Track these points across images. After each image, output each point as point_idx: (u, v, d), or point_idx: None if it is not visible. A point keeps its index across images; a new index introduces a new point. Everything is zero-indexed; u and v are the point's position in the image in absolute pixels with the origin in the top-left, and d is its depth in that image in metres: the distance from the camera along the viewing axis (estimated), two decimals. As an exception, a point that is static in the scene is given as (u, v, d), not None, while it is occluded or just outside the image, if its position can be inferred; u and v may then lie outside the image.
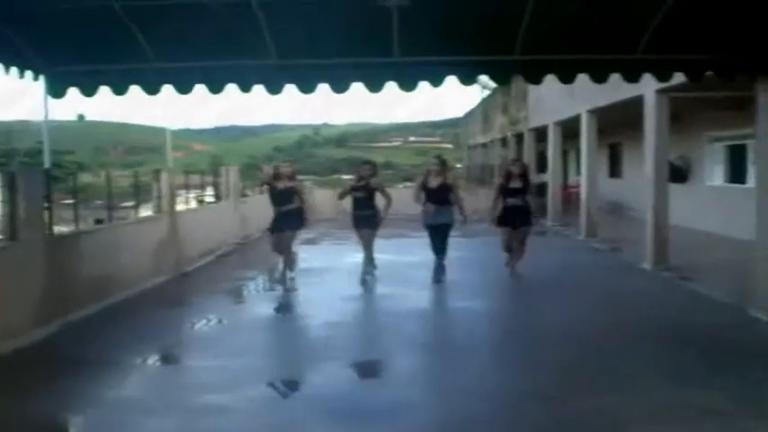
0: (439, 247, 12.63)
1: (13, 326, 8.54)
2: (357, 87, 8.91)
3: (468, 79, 9.09)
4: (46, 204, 9.63)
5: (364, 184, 12.78)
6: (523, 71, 9.28)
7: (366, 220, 12.74)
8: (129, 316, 10.61)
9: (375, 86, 8.93)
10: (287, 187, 12.44)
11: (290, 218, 12.41)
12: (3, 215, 8.98)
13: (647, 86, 13.27)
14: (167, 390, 7.34)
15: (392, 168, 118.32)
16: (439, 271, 12.62)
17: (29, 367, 7.95)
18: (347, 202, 13.11)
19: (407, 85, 8.92)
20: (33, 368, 7.91)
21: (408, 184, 61.78)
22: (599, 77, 9.28)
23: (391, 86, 8.93)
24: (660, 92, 13.73)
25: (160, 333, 9.64)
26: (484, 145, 42.81)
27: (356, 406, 6.82)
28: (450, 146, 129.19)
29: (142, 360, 8.32)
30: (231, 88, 9.02)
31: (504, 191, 13.14)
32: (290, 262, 12.69)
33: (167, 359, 8.68)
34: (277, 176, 12.50)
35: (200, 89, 9.05)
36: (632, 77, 9.36)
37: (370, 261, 13.05)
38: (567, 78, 9.27)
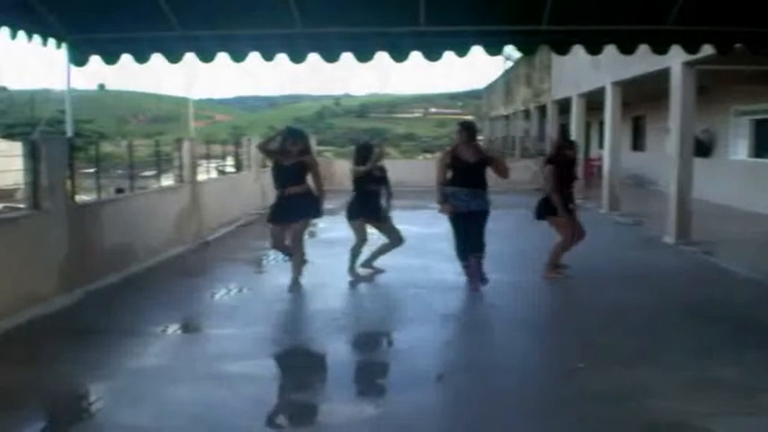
0: (475, 242, 9.72)
1: (36, 293, 8.56)
2: (381, 56, 8.84)
3: (494, 49, 9.01)
4: (68, 173, 9.61)
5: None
6: (550, 41, 9.19)
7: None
8: (150, 285, 10.63)
9: (400, 56, 8.86)
10: (296, 162, 9.83)
11: (299, 203, 9.81)
12: (26, 184, 8.97)
13: (675, 59, 13.09)
14: (188, 358, 7.32)
15: (413, 140, 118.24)
16: (475, 275, 9.83)
17: (52, 335, 7.96)
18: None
19: (433, 54, 8.83)
20: (56, 336, 7.93)
21: (428, 155, 61.69)
22: (627, 48, 9.17)
23: (416, 56, 8.87)
24: (687, 64, 13.53)
25: (181, 302, 9.66)
26: (506, 117, 42.64)
27: (377, 376, 6.86)
28: (471, 117, 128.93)
29: (163, 329, 8.33)
30: (254, 57, 8.97)
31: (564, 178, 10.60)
32: (297, 261, 10.06)
33: (188, 328, 8.69)
34: (284, 152, 9.84)
35: (222, 57, 9.02)
36: (660, 49, 9.24)
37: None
38: (594, 49, 9.16)
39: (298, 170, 9.83)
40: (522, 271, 11.20)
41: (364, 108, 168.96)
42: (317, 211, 10.04)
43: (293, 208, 9.74)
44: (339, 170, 24.71)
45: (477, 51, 8.89)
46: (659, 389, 6.16)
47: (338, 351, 7.51)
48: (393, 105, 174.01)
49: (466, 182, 9.56)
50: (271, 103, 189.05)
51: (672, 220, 14.09)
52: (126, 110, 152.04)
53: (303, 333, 8.24)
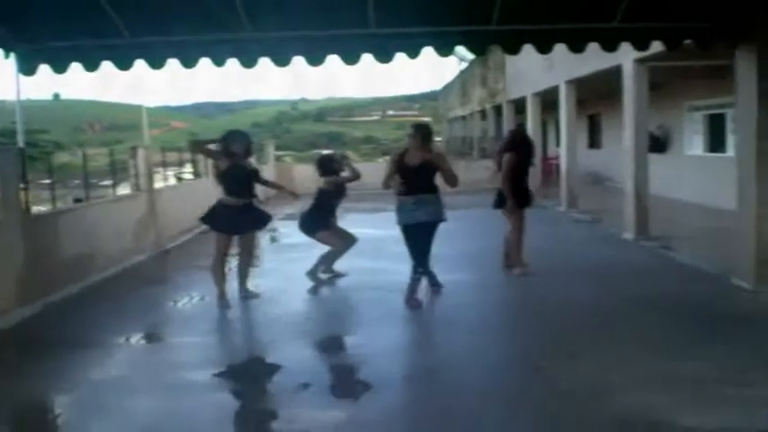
0: (419, 250, 9.15)
1: (-8, 307, 8.45)
2: (333, 59, 8.82)
3: (445, 50, 8.98)
4: (22, 184, 9.52)
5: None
6: (500, 41, 9.21)
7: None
8: (110, 295, 10.55)
9: (351, 58, 8.83)
10: (250, 171, 9.76)
11: (253, 213, 9.66)
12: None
13: (626, 56, 13.25)
14: (151, 368, 7.28)
15: (372, 143, 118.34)
16: (414, 287, 9.20)
17: (11, 348, 7.92)
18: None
19: (384, 56, 8.81)
20: (15, 349, 7.87)
21: (387, 158, 61.79)
22: (576, 47, 9.23)
23: (367, 58, 8.86)
24: (638, 61, 13.69)
25: (142, 311, 9.57)
26: (463, 117, 42.82)
27: (340, 381, 6.85)
28: (429, 119, 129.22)
29: (125, 339, 8.26)
30: (205, 62, 8.92)
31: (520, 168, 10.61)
32: (245, 266, 9.87)
33: (150, 337, 8.60)
34: (229, 154, 9.35)
35: (173, 64, 8.96)
36: (610, 47, 9.30)
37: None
38: (544, 48, 9.19)
39: (250, 179, 9.65)
40: (481, 270, 11.25)
41: (322, 112, 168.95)
42: (267, 221, 9.94)
43: (247, 218, 9.55)
44: (299, 175, 24.69)
45: (428, 52, 8.89)
46: (624, 384, 6.21)
47: (301, 356, 7.48)
48: (350, 109, 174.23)
49: (411, 189, 8.93)
50: (227, 109, 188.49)
51: (630, 217, 14.21)
52: (81, 119, 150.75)
53: (265, 339, 8.18)
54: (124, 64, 8.95)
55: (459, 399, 6.13)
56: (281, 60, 8.80)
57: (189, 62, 8.85)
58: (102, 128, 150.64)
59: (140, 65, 8.99)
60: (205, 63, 8.88)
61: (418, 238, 9.05)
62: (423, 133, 9.23)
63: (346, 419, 5.78)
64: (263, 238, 15.27)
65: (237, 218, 9.36)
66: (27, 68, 9.17)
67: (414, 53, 8.82)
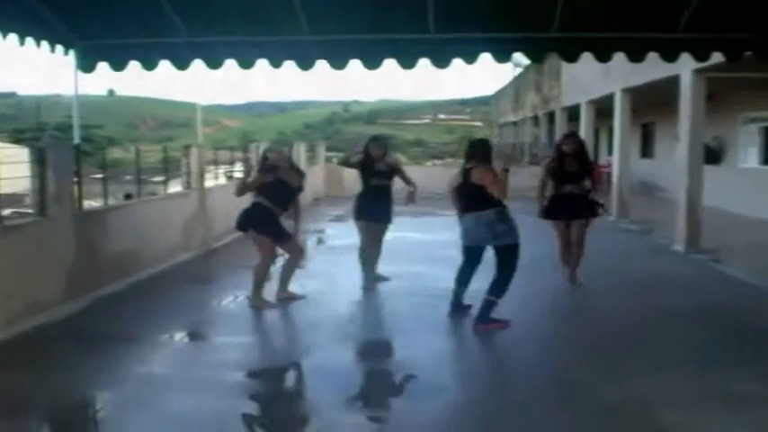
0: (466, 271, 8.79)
1: (42, 301, 8.54)
2: (389, 63, 8.80)
3: (502, 56, 8.95)
4: (75, 179, 9.60)
5: (386, 169, 10.35)
6: (559, 49, 9.14)
7: (385, 212, 10.38)
8: (157, 292, 10.60)
9: (408, 63, 8.81)
10: (299, 183, 9.73)
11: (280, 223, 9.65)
12: (32, 190, 8.96)
13: (684, 66, 13.04)
14: (194, 366, 7.29)
15: (421, 146, 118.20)
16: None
17: (58, 342, 7.93)
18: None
19: (441, 61, 8.79)
20: (63, 343, 7.89)
21: (437, 161, 61.52)
22: (636, 56, 9.12)
23: (424, 63, 8.82)
24: (697, 72, 13.48)
25: (187, 309, 9.61)
26: (515, 123, 42.53)
27: (383, 386, 6.78)
28: (479, 123, 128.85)
29: (169, 336, 8.31)
30: (262, 64, 8.95)
31: (557, 174, 10.36)
32: (290, 269, 9.83)
33: (194, 336, 8.63)
34: (272, 167, 9.46)
35: (230, 64, 9.00)
36: (670, 57, 9.19)
37: (374, 268, 10.71)
38: (603, 57, 9.10)
39: (293, 191, 9.67)
40: (530, 279, 11.10)
41: (373, 114, 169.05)
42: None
43: (273, 226, 9.52)
44: (348, 176, 24.70)
45: (485, 58, 8.84)
46: (671, 400, 6.09)
47: (344, 360, 7.46)
48: (402, 111, 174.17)
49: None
50: (280, 108, 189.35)
51: (681, 228, 13.99)
52: (135, 115, 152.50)
53: (309, 341, 8.12)
54: (182, 63, 9.02)
55: (499, 409, 6.08)
56: (338, 63, 8.79)
57: (246, 63, 8.89)
58: (155, 125, 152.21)
59: (197, 65, 9.06)
60: (262, 64, 8.91)
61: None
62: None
63: (380, 426, 5.80)
64: (310, 240, 15.32)
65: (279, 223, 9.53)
66: (86, 65, 9.27)
67: (471, 59, 8.79)
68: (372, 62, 8.79)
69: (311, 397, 6.56)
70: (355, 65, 8.83)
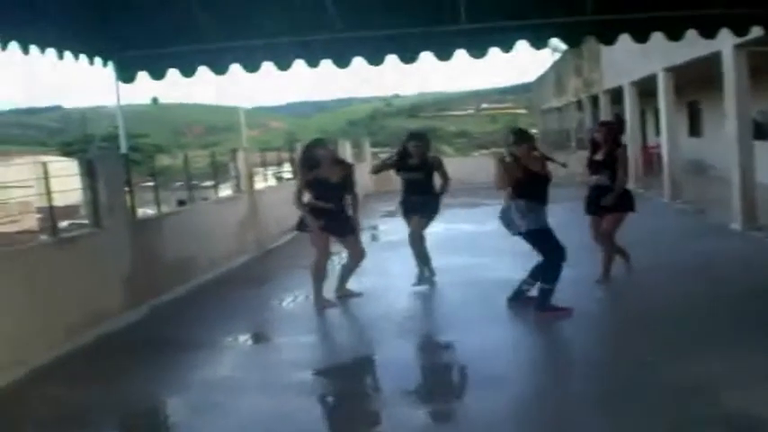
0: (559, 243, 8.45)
1: (103, 311, 8.72)
2: (426, 57, 8.83)
3: (539, 43, 8.94)
4: (127, 189, 9.76)
5: (419, 162, 10.05)
6: (596, 32, 9.09)
7: (423, 206, 10.09)
8: (216, 296, 10.76)
9: (444, 55, 8.83)
10: (341, 177, 9.40)
11: (342, 220, 9.52)
12: (85, 202, 9.11)
13: (725, 42, 12.88)
14: (260, 368, 7.43)
15: (466, 137, 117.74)
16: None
17: (122, 351, 8.07)
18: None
19: (477, 51, 8.79)
20: (126, 352, 8.03)
21: (484, 151, 61.08)
22: (674, 35, 9.02)
23: (461, 54, 8.84)
24: (738, 47, 13.29)
25: (248, 312, 9.78)
26: (558, 109, 42.18)
27: (449, 379, 6.93)
28: (523, 111, 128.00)
29: (232, 339, 8.46)
30: (299, 64, 9.02)
31: (589, 164, 9.84)
32: (349, 268, 9.84)
33: (258, 338, 8.81)
34: (314, 163, 9.35)
35: (267, 66, 9.09)
36: (709, 33, 9.08)
37: (424, 262, 10.37)
38: (641, 38, 9.01)
39: (341, 187, 9.44)
40: (584, 264, 11.04)
41: (415, 108, 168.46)
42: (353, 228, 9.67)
43: (339, 222, 9.46)
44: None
45: (521, 46, 8.82)
46: (733, 381, 6.05)
47: (406, 355, 7.57)
48: (444, 103, 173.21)
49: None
50: (322, 107, 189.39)
51: (737, 206, 13.78)
52: (180, 122, 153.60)
53: (372, 337, 8.27)
54: (220, 68, 9.15)
55: (564, 398, 6.13)
56: (375, 59, 8.85)
57: (283, 64, 8.97)
58: (200, 131, 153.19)
59: (236, 68, 9.16)
60: (299, 64, 8.98)
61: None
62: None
63: (447, 420, 5.89)
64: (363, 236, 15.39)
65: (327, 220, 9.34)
66: (126, 76, 9.43)
67: (507, 47, 8.77)
68: (408, 57, 8.83)
69: (377, 393, 6.68)
70: (392, 60, 8.88)
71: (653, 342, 7.28)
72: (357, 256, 9.62)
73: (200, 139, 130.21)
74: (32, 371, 7.18)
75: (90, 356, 7.87)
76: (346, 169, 9.58)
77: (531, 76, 68.42)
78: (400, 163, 10.15)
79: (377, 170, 10.97)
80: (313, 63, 8.93)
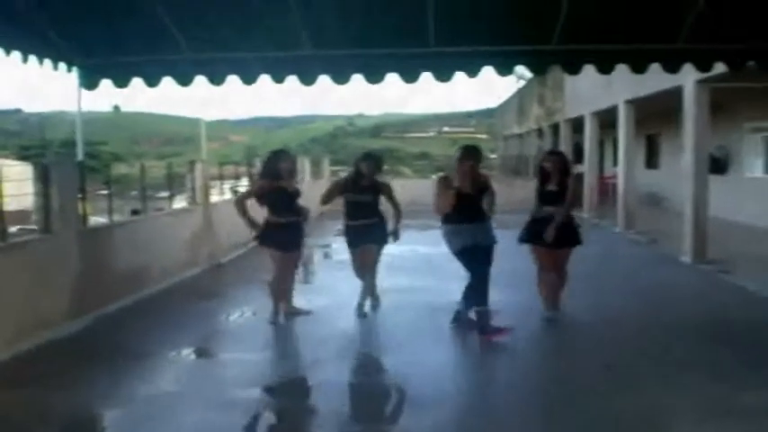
0: (481, 263, 8.51)
1: (47, 318, 8.55)
2: (392, 78, 8.78)
3: (504, 69, 8.91)
4: (80, 196, 9.62)
5: (369, 184, 9.72)
6: (561, 61, 9.10)
7: (371, 231, 9.70)
8: (164, 308, 10.62)
9: (410, 77, 8.78)
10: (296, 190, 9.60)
11: (299, 233, 9.65)
12: (36, 207, 8.97)
13: (687, 76, 13.05)
14: (202, 384, 7.29)
15: (427, 158, 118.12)
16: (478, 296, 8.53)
17: (64, 360, 7.91)
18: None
19: (443, 75, 8.74)
20: (67, 361, 7.86)
21: (442, 173, 61.40)
22: (638, 68, 9.07)
23: (426, 77, 8.80)
24: (700, 82, 13.49)
25: (195, 325, 9.63)
26: (519, 135, 42.49)
27: (395, 401, 6.83)
28: (484, 136, 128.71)
29: (177, 353, 8.32)
30: (264, 79, 8.95)
31: (539, 195, 9.42)
32: (286, 292, 9.69)
33: (203, 352, 8.65)
34: (277, 174, 9.38)
35: (233, 80, 9.00)
36: (672, 68, 9.15)
37: (371, 289, 10.00)
38: (605, 68, 9.08)
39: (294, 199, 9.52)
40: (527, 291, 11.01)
41: (378, 128, 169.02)
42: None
43: (296, 236, 9.53)
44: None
45: (487, 71, 8.82)
46: (681, 412, 6.14)
47: (349, 375, 7.52)
48: (407, 125, 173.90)
49: (461, 214, 8.54)
50: (285, 123, 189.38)
51: (688, 239, 13.97)
52: (141, 131, 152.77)
53: (316, 357, 8.09)
54: (184, 80, 9.03)
55: (503, 421, 6.12)
56: (341, 78, 8.79)
57: (249, 79, 8.89)
58: (158, 141, 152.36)
59: (200, 81, 9.06)
60: (265, 80, 8.91)
61: (479, 255, 8.55)
62: (468, 154, 8.78)
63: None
64: (315, 254, 15.33)
65: (286, 236, 9.37)
66: (89, 83, 9.29)
67: (473, 72, 8.74)
68: (375, 77, 8.77)
69: (318, 413, 6.53)
70: (358, 79, 8.83)
71: (596, 372, 7.32)
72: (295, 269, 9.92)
73: (159, 150, 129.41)
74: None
75: (31, 364, 7.72)
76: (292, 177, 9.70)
77: (494, 101, 68.74)
78: (351, 184, 9.69)
79: (326, 199, 9.76)
80: (278, 79, 8.85)
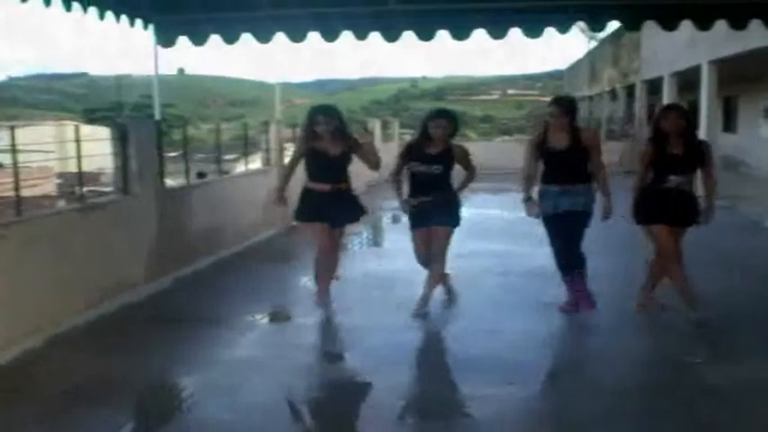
0: (569, 248, 7.50)
1: (126, 281, 8.46)
2: (479, 34, 8.49)
3: (597, 25, 8.65)
4: (157, 157, 9.47)
5: (440, 151, 7.67)
6: (658, 16, 8.79)
7: (441, 210, 7.73)
8: (240, 271, 10.47)
9: (498, 33, 8.49)
10: (341, 153, 7.75)
11: (345, 202, 7.93)
12: (115, 168, 8.87)
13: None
14: (280, 349, 7.15)
15: (490, 122, 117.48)
16: (582, 292, 7.63)
17: (142, 324, 7.84)
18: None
19: (533, 31, 8.47)
20: (147, 325, 7.80)
21: (507, 137, 60.76)
22: (738, 24, 8.68)
23: (515, 32, 8.51)
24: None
25: (271, 289, 9.45)
26: (590, 98, 41.72)
27: (480, 369, 6.43)
28: (549, 99, 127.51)
29: (255, 317, 8.18)
30: (346, 36, 8.70)
31: (658, 162, 7.35)
32: (332, 268, 8.13)
33: (280, 316, 8.53)
34: (315, 135, 7.70)
35: (313, 37, 8.77)
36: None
37: (441, 280, 8.25)
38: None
39: (342, 163, 7.85)
40: (619, 256, 10.62)
41: (441, 90, 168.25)
42: (361, 213, 8.16)
43: (340, 208, 7.86)
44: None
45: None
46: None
47: (434, 339, 7.34)
48: (470, 87, 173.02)
49: (554, 174, 7.53)
50: (349, 86, 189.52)
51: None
52: (205, 94, 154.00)
53: (396, 321, 7.74)
54: (264, 37, 8.87)
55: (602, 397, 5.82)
56: (426, 34, 8.51)
57: (330, 35, 8.67)
58: (224, 103, 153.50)
59: (280, 38, 8.84)
60: (346, 36, 8.66)
61: (567, 227, 7.47)
62: (565, 108, 7.44)
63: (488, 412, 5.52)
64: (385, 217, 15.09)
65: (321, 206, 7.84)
66: (165, 40, 9.17)
67: (564, 28, 8.55)
68: (461, 33, 8.49)
69: (404, 376, 6.33)
70: (443, 36, 8.55)
71: (692, 344, 7.04)
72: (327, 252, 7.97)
73: (224, 111, 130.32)
74: (50, 339, 6.96)
75: (110, 328, 7.63)
76: (347, 141, 7.86)
77: (563, 63, 68.03)
78: (417, 151, 7.78)
79: (396, 176, 8.05)
80: (361, 36, 8.61)
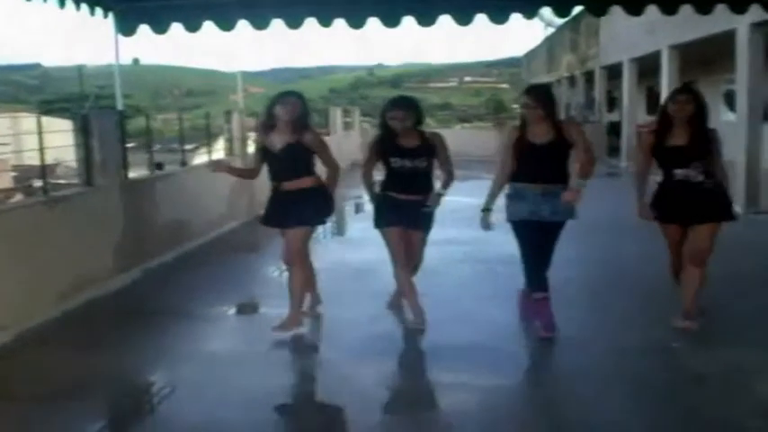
0: (545, 260, 6.73)
1: (91, 274, 8.33)
2: (409, 21, 8.51)
3: (528, 12, 8.65)
4: (121, 148, 9.33)
5: (419, 143, 6.90)
6: (587, 2, 8.93)
7: (420, 212, 6.95)
8: (206, 263, 10.41)
9: (464, 19, 8.47)
10: (291, 144, 6.71)
11: (300, 202, 6.84)
12: (77, 160, 8.75)
13: (742, 20, 12.53)
14: (249, 341, 7.11)
15: (449, 109, 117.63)
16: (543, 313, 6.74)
17: (109, 318, 7.76)
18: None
19: (463, 18, 8.48)
20: (115, 319, 7.70)
21: (466, 125, 60.63)
22: (670, 9, 8.71)
23: (446, 20, 8.53)
24: (756, 25, 12.95)
25: (238, 280, 9.38)
26: (549, 84, 41.91)
27: (460, 355, 6.48)
28: (506, 86, 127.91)
29: (222, 309, 8.11)
30: (310, 22, 8.64)
31: (658, 155, 6.73)
32: (300, 279, 7.10)
33: (249, 308, 8.48)
34: (270, 125, 6.84)
35: (277, 24, 8.68)
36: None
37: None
38: (634, 10, 8.79)
39: (294, 156, 6.82)
40: (583, 238, 10.61)
41: (398, 78, 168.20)
42: (327, 212, 7.19)
43: (292, 209, 6.88)
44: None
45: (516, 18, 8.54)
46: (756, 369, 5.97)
47: (410, 329, 7.16)
48: (428, 75, 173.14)
49: (530, 173, 6.63)
50: (304, 74, 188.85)
51: (740, 189, 13.45)
52: (161, 84, 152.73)
53: (365, 311, 7.70)
54: (227, 24, 8.73)
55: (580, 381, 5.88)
56: (356, 22, 8.55)
57: (294, 22, 8.59)
58: (180, 93, 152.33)
59: (243, 25, 8.73)
60: (311, 23, 8.61)
61: (540, 237, 6.69)
62: (540, 99, 6.53)
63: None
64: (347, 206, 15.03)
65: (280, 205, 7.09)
66: (126, 28, 9.01)
67: (498, 17, 8.51)
68: (427, 19, 8.45)
69: (379, 365, 6.28)
70: (374, 23, 8.58)
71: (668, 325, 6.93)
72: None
73: (181, 102, 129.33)
74: (17, 337, 6.83)
75: (79, 322, 7.54)
76: (302, 132, 6.79)
77: (519, 51, 68.19)
78: (389, 145, 6.97)
79: (367, 172, 7.28)
80: (326, 23, 8.57)
